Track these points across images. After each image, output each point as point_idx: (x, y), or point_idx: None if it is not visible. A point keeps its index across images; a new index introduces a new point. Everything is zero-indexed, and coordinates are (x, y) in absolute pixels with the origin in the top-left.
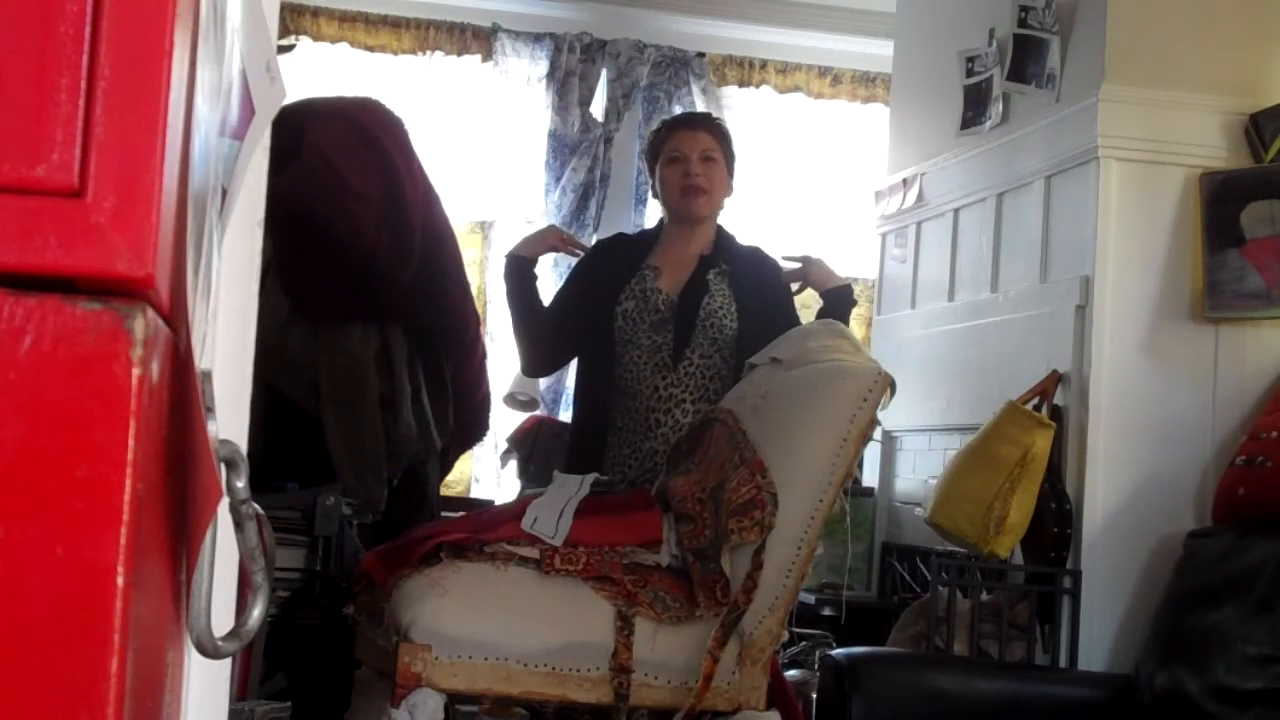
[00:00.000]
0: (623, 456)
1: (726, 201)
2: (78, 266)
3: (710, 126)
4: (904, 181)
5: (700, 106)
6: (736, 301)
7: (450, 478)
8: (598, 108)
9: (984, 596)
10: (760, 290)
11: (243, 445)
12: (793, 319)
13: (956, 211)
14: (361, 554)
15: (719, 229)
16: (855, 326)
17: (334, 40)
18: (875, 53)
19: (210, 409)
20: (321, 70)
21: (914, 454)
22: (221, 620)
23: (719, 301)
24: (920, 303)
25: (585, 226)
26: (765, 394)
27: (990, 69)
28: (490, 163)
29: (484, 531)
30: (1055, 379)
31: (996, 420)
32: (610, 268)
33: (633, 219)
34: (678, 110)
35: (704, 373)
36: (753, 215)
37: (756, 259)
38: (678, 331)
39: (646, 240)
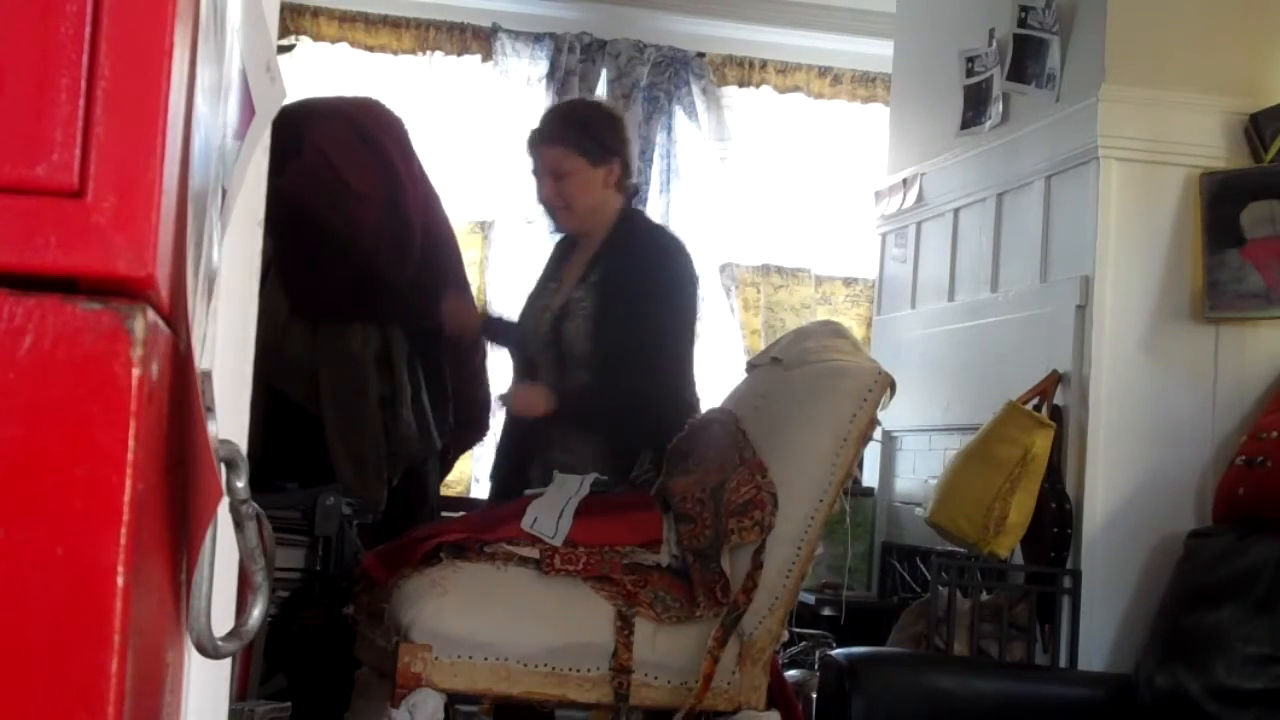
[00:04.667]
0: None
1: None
2: (78, 266)
3: (555, 137)
4: (904, 181)
5: (700, 107)
6: (595, 319)
7: (450, 478)
8: None
9: (984, 596)
10: (622, 300)
11: (243, 445)
12: (651, 323)
13: (956, 211)
14: (361, 554)
15: (623, 218)
16: (855, 326)
17: (334, 40)
18: (875, 53)
19: (210, 409)
20: (321, 70)
21: (914, 454)
22: (221, 620)
23: (578, 322)
24: (920, 303)
25: None
26: (765, 394)
27: (990, 69)
28: (490, 163)
29: (484, 531)
30: (1055, 379)
31: (996, 420)
32: (548, 272)
33: None
34: (678, 110)
35: None
36: (754, 216)
37: (636, 260)
38: (553, 355)
39: (567, 244)
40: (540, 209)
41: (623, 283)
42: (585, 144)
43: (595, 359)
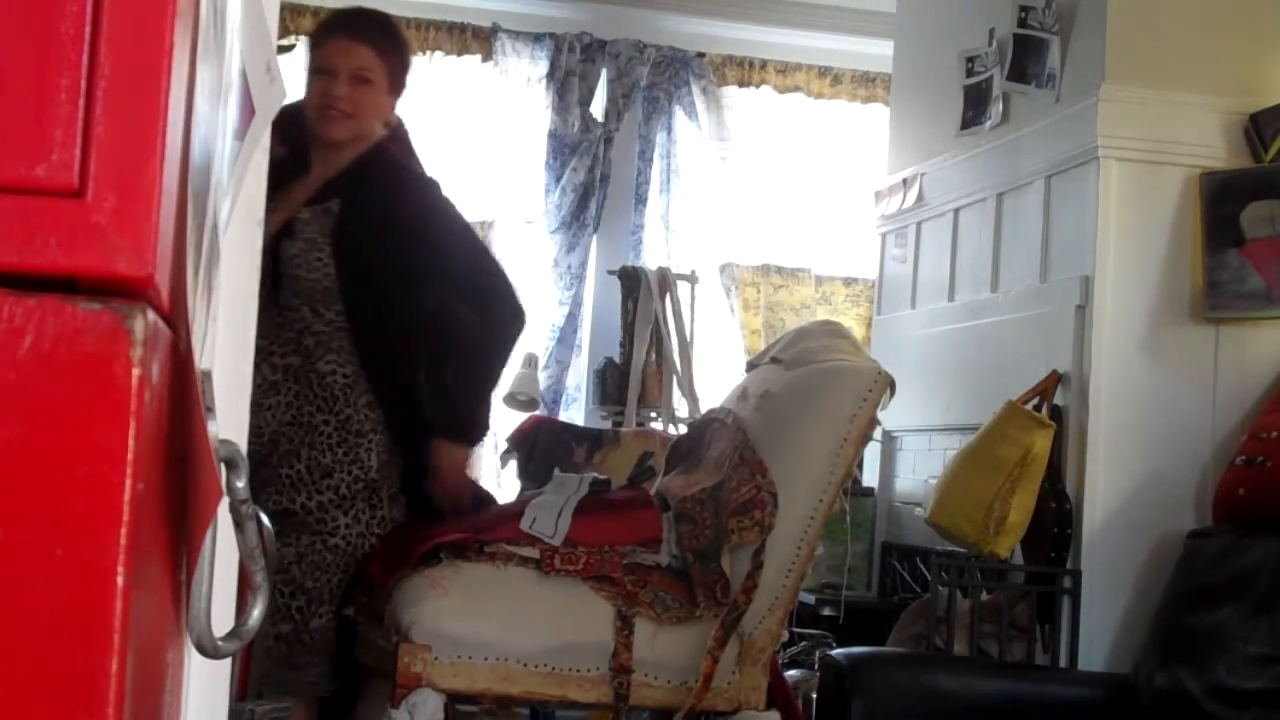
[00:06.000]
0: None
1: (386, 120)
2: (78, 266)
3: (375, 37)
4: (904, 181)
5: (700, 106)
6: (334, 246)
7: None
8: (598, 108)
9: (984, 596)
10: (373, 233)
11: (243, 445)
12: (420, 274)
13: (956, 211)
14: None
15: (375, 148)
16: (855, 326)
17: None
18: (875, 53)
19: (210, 409)
20: None
21: (914, 454)
22: (221, 620)
23: (299, 246)
24: (920, 303)
25: (585, 226)
26: (765, 394)
27: (990, 69)
28: (490, 163)
29: (484, 531)
30: (1055, 379)
31: (996, 420)
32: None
33: (633, 219)
34: (678, 110)
35: (293, 326)
36: (754, 216)
37: (392, 194)
38: (272, 279)
39: (294, 165)
40: (307, 108)
41: (367, 221)
42: (395, 66)
43: (349, 292)
